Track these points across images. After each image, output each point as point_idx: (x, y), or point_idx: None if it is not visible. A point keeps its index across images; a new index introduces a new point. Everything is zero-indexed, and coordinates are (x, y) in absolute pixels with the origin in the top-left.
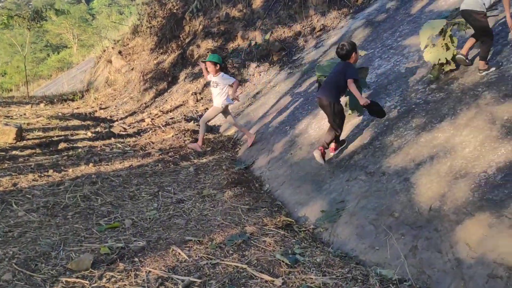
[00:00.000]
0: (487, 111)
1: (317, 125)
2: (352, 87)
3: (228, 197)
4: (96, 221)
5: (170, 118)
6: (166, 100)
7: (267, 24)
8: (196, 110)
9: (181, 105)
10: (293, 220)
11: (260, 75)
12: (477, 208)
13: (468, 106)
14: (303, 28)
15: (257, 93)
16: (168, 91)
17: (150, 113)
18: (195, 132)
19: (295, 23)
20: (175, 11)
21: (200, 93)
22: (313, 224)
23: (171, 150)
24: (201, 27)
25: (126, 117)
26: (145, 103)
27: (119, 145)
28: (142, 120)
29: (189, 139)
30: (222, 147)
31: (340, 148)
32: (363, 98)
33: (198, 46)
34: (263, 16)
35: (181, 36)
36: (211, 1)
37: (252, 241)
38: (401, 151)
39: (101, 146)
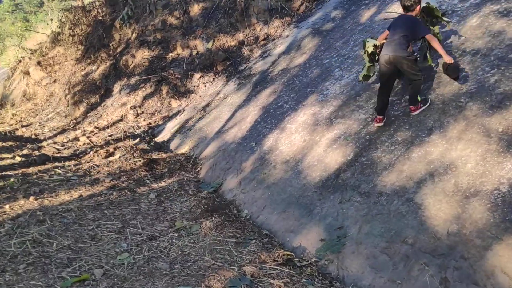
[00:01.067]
0: (478, 123)
1: (287, 140)
2: (435, 42)
3: (208, 229)
4: (58, 273)
5: (109, 136)
6: (101, 115)
7: (208, 33)
8: (137, 126)
9: (120, 120)
10: (292, 254)
11: (205, 86)
12: (503, 230)
13: (455, 118)
14: (247, 37)
15: (206, 105)
16: (102, 105)
17: (85, 130)
18: (145, 151)
19: (237, 31)
20: (100, 18)
21: (140, 107)
22: (314, 256)
23: (122, 174)
24: (134, 35)
25: (55, 135)
26: (75, 119)
27: (59, 171)
28: (76, 138)
29: (140, 160)
30: (181, 167)
31: (422, 108)
32: (447, 55)
33: (133, 56)
34: (202, 24)
35: (111, 45)
36: (144, 8)
37: (258, 286)
38: (394, 168)
39: (37, 173)
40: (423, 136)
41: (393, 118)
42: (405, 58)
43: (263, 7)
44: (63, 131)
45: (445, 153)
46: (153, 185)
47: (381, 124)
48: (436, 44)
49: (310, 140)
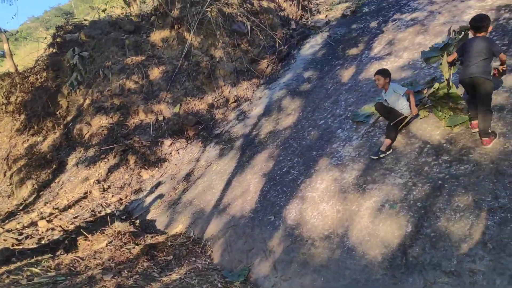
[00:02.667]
0: None
1: (315, 212)
2: (504, 59)
3: None
4: None
5: (75, 217)
6: (58, 193)
7: (173, 96)
8: (106, 203)
9: (83, 197)
10: None
11: (178, 153)
12: None
13: None
14: (216, 100)
15: (188, 174)
16: (56, 181)
17: (42, 213)
18: (135, 235)
19: (205, 94)
20: (39, 84)
21: (105, 180)
22: None
23: (119, 267)
24: (88, 101)
25: (2, 221)
26: (24, 200)
27: (36, 270)
28: (33, 223)
29: (134, 247)
30: (188, 252)
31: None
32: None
33: (88, 124)
34: (166, 88)
35: (58, 113)
36: (97, 73)
37: None
38: (473, 239)
39: (8, 276)
40: (489, 200)
41: (439, 181)
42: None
43: (229, 69)
44: (12, 214)
45: None
46: (165, 279)
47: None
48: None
49: (345, 211)
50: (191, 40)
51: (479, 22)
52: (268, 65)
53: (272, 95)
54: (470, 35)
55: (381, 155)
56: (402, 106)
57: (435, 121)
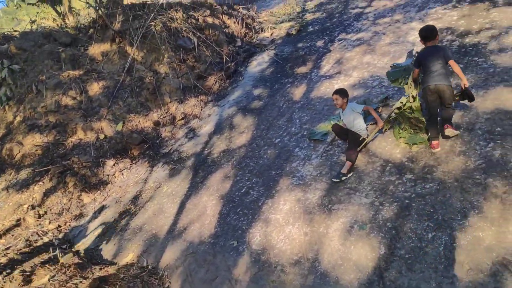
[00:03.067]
0: None
1: (281, 235)
2: (457, 68)
3: None
4: None
5: (6, 249)
6: None
7: (115, 114)
8: (42, 231)
9: (16, 225)
10: None
11: (123, 174)
12: None
13: (483, 197)
14: (162, 117)
15: (135, 197)
16: None
17: None
18: (81, 267)
19: (150, 111)
20: None
21: (40, 206)
22: None
23: None
24: (19, 119)
25: None
26: None
27: None
28: None
29: (81, 281)
30: (145, 285)
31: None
32: (466, 80)
33: (20, 143)
34: (107, 105)
35: None
36: (29, 88)
37: None
38: (448, 259)
39: None
40: (459, 220)
41: (406, 201)
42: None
43: (175, 85)
44: None
45: (501, 237)
46: None
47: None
48: (458, 69)
49: (313, 233)
50: (134, 54)
51: (427, 32)
52: (215, 82)
53: (222, 113)
54: None
55: (343, 178)
56: (360, 126)
57: (394, 139)
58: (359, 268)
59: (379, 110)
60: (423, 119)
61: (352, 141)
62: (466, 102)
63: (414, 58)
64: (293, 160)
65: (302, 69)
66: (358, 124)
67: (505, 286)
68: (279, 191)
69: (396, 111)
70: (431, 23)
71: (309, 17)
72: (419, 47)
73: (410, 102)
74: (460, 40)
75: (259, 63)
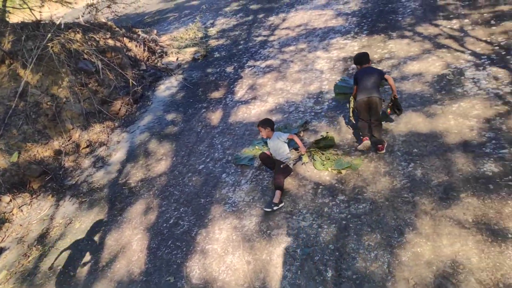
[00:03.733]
0: (442, 216)
1: (223, 266)
2: (391, 81)
3: None
4: None
5: None
6: None
7: (8, 143)
8: None
9: None
10: None
11: (22, 211)
12: None
13: (415, 214)
14: (64, 146)
15: (42, 236)
16: None
17: None
18: None
19: (50, 139)
20: None
21: None
22: None
23: None
24: None
25: None
26: None
27: None
28: None
29: None
30: None
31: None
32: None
33: None
34: None
35: None
36: None
37: None
38: (394, 276)
39: None
40: (396, 237)
41: (344, 222)
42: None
43: (77, 111)
44: None
45: (438, 251)
46: None
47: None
48: (392, 82)
49: (256, 261)
50: (27, 77)
51: (362, 57)
52: (122, 107)
53: (133, 139)
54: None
55: (275, 208)
56: (285, 154)
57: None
58: None
59: (301, 135)
60: (337, 154)
61: (279, 169)
62: (394, 117)
63: (354, 76)
64: (221, 186)
65: (216, 94)
66: (283, 152)
67: None
68: (212, 220)
69: (314, 145)
70: (335, 52)
71: (213, 43)
72: (327, 74)
73: (331, 139)
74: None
75: (167, 88)
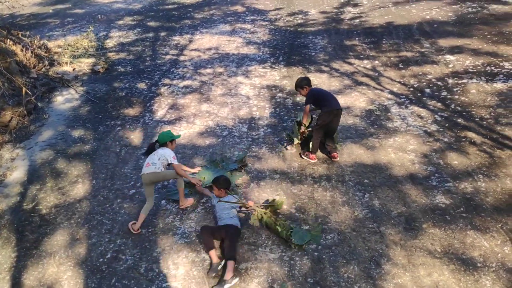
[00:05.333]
0: (412, 246)
1: None
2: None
3: None
4: None
5: None
6: None
7: None
8: None
9: None
10: None
11: None
12: None
13: (385, 244)
14: None
15: None
16: None
17: None
18: None
19: None
20: None
21: None
22: None
23: None
24: None
25: None
26: None
27: None
28: None
29: None
30: None
31: None
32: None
33: None
34: None
35: None
36: None
37: None
38: None
39: None
40: (374, 269)
41: (315, 253)
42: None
43: None
44: None
45: (419, 282)
46: None
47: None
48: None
49: None
50: None
51: (308, 79)
52: (12, 118)
53: (32, 157)
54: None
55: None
56: (235, 215)
57: (274, 190)
58: None
59: (241, 171)
60: (284, 221)
61: (229, 234)
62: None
63: (309, 97)
64: (164, 215)
65: (130, 112)
66: (233, 213)
67: None
68: (162, 254)
69: (262, 208)
70: (257, 79)
71: (113, 56)
72: (254, 101)
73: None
74: (291, 98)
75: (67, 100)
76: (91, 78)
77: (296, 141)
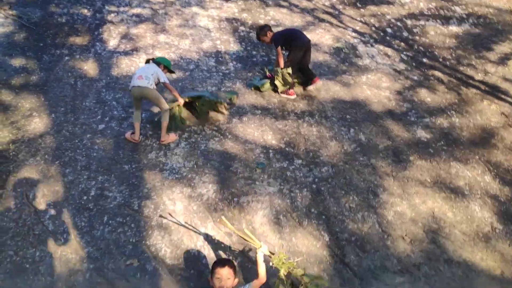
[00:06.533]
0: (404, 177)
1: (196, 240)
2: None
3: None
4: None
5: None
6: None
7: None
8: None
9: None
10: None
11: None
12: None
13: (378, 176)
14: None
15: None
16: None
17: None
18: None
19: None
20: None
21: None
22: None
23: None
24: None
25: None
26: None
27: None
28: None
29: None
30: None
31: None
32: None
33: None
34: None
35: None
36: None
37: None
38: (390, 235)
39: None
40: (373, 198)
41: (314, 185)
42: None
43: None
44: None
45: (416, 209)
46: None
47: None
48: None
49: (238, 231)
50: None
51: (262, 29)
52: None
53: None
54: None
55: None
56: None
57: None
58: (317, 259)
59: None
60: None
61: None
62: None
63: (277, 39)
64: (145, 150)
65: (77, 40)
66: None
67: (446, 248)
68: (153, 190)
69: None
70: (214, 11)
71: None
72: (216, 33)
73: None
74: (255, 33)
75: None
76: (21, 2)
77: (282, 88)
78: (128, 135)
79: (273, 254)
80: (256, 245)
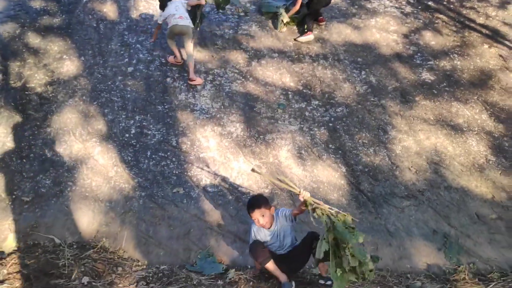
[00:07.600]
0: (411, 116)
1: (231, 171)
2: None
3: None
4: None
5: None
6: None
7: None
8: None
9: None
10: None
11: None
12: None
13: (387, 115)
14: None
15: None
16: None
17: None
18: None
19: None
20: None
21: None
22: None
23: None
24: None
25: None
26: None
27: None
28: None
29: None
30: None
31: None
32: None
33: None
34: None
35: None
36: None
37: None
38: (397, 166)
39: None
40: (383, 135)
41: (330, 124)
42: None
43: None
44: None
45: (421, 144)
46: None
47: None
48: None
49: (266, 164)
50: None
51: None
52: None
53: None
54: None
55: None
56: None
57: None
58: (336, 187)
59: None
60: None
61: (302, 258)
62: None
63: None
64: (175, 92)
65: None
66: (292, 235)
67: (446, 177)
68: (188, 128)
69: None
70: None
71: None
72: None
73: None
74: None
75: None
76: None
77: (286, 19)
78: (171, 58)
79: (315, 200)
80: (295, 191)
